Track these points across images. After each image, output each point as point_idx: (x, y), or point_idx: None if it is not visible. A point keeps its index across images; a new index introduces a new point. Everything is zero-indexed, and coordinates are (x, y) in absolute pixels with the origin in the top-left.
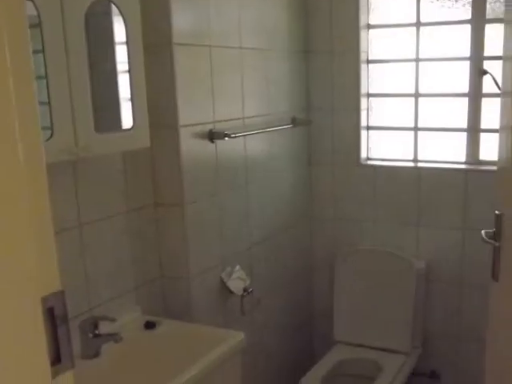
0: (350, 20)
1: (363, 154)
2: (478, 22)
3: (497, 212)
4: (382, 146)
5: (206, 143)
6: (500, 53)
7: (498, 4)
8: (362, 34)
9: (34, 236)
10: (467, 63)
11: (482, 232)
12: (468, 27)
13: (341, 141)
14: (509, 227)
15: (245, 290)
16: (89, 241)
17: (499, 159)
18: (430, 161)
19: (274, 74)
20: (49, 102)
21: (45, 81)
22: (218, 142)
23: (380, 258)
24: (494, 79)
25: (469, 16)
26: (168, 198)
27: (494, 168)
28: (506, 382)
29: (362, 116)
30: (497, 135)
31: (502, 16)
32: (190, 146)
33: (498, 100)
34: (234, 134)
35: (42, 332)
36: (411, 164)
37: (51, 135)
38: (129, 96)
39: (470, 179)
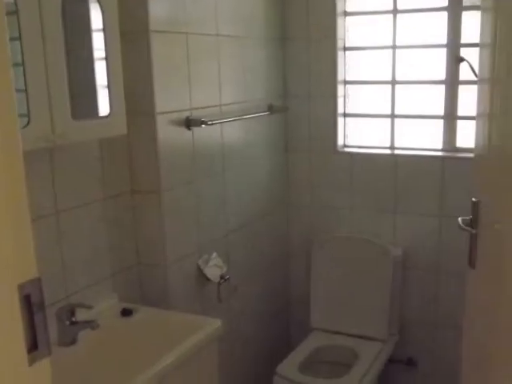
0: (327, 7)
1: (340, 141)
2: (455, 9)
3: (473, 199)
4: (358, 134)
5: (183, 130)
6: (477, 40)
7: None
8: (339, 21)
9: (10, 223)
10: (444, 50)
11: (459, 219)
12: (445, 14)
13: (317, 128)
14: (485, 214)
15: (221, 277)
16: (65, 228)
17: (476, 146)
18: (406, 148)
19: (250, 61)
20: (25, 90)
21: (21, 68)
22: (195, 129)
23: (357, 245)
24: (470, 66)
25: (445, 3)
26: (145, 185)
27: (471, 155)
28: (483, 368)
29: (338, 103)
30: (473, 122)
31: (478, 3)
32: (167, 134)
33: (474, 87)
34: (210, 121)
35: (18, 319)
36: (388, 151)
37: (28, 122)
38: (106, 83)
39: (447, 166)
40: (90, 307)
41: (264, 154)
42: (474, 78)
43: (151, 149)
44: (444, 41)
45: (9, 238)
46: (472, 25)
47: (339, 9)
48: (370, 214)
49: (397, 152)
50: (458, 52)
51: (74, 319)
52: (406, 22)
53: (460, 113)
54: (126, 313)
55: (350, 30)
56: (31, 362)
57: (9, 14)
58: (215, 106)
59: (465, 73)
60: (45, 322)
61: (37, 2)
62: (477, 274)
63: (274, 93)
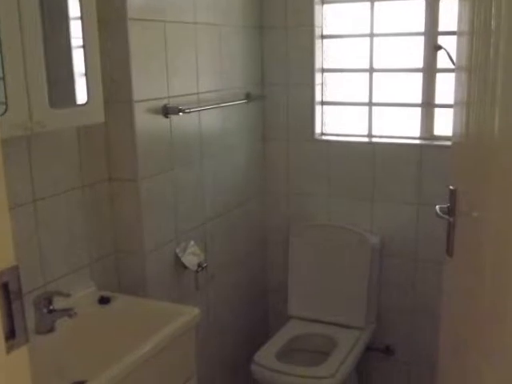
0: None
1: (318, 130)
2: None
3: (451, 187)
4: (336, 122)
5: (161, 118)
6: (454, 28)
7: None
8: (317, 9)
9: None
10: (421, 38)
11: (437, 207)
12: (422, 2)
13: (295, 116)
14: (463, 202)
15: (199, 265)
16: (43, 216)
17: (453, 134)
18: (384, 136)
19: (228, 49)
20: (3, 77)
21: None
22: (173, 117)
23: (334, 234)
24: (448, 54)
25: None
26: (122, 173)
27: (449, 143)
28: (460, 356)
29: (316, 91)
30: (451, 110)
31: None
32: (145, 122)
33: (452, 75)
34: (188, 109)
35: None
36: (366, 139)
37: (5, 110)
38: (83, 71)
39: (425, 154)
40: (67, 295)
41: (242, 142)
42: (452, 66)
43: (129, 137)
44: (422, 29)
45: None
46: (449, 13)
47: None
48: (348, 201)
49: (374, 140)
50: (436, 40)
51: (51, 307)
52: (384, 10)
53: (438, 101)
54: (104, 301)
55: (328, 18)
56: (9, 350)
57: None
58: (193, 94)
59: (442, 61)
60: (22, 310)
61: None
62: (454, 262)
63: (251, 81)
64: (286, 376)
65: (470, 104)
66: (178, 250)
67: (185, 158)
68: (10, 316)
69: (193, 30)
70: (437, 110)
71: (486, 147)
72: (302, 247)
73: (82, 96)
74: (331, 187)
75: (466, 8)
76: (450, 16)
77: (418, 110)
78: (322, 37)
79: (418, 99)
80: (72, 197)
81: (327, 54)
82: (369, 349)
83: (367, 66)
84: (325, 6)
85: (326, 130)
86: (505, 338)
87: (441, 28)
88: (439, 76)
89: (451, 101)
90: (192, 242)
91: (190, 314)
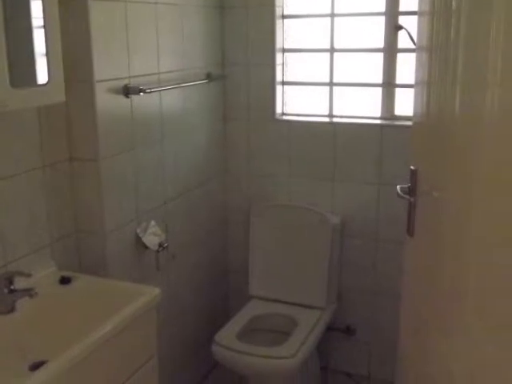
0: None
1: (278, 110)
2: None
3: (412, 167)
4: (297, 102)
5: (121, 98)
6: (415, 8)
7: None
8: None
9: None
10: (382, 18)
11: (397, 187)
12: None
13: (256, 96)
14: (423, 182)
15: (160, 245)
16: (3, 196)
17: (414, 114)
18: (345, 116)
19: (189, 29)
20: None
21: None
22: (134, 97)
23: (295, 214)
24: (409, 34)
25: None
26: (83, 153)
27: (409, 123)
28: (420, 335)
29: (277, 71)
30: (412, 90)
31: None
32: (105, 101)
33: (413, 55)
34: (149, 89)
35: None
36: (326, 119)
37: None
38: (44, 51)
39: (385, 134)
40: (28, 275)
41: (202, 122)
42: (413, 46)
43: (89, 117)
44: (382, 9)
45: None
46: None
47: None
48: (309, 182)
49: (335, 120)
50: (397, 20)
51: (12, 287)
52: None
53: (398, 81)
54: (65, 281)
55: None
56: None
57: None
58: (154, 74)
59: (403, 41)
60: None
61: None
62: (415, 241)
63: (212, 61)
64: (246, 356)
65: (430, 84)
66: (138, 230)
67: (145, 137)
68: None
69: (153, 9)
70: (397, 90)
71: (446, 127)
72: (263, 227)
73: (42, 76)
74: (292, 167)
75: None
76: None
77: (379, 90)
78: (283, 17)
79: (379, 79)
80: (33, 177)
81: (288, 33)
82: (330, 329)
83: (328, 46)
84: None
85: (287, 110)
86: (465, 318)
87: (401, 8)
88: (400, 56)
89: (412, 81)
90: (153, 222)
91: (150, 293)
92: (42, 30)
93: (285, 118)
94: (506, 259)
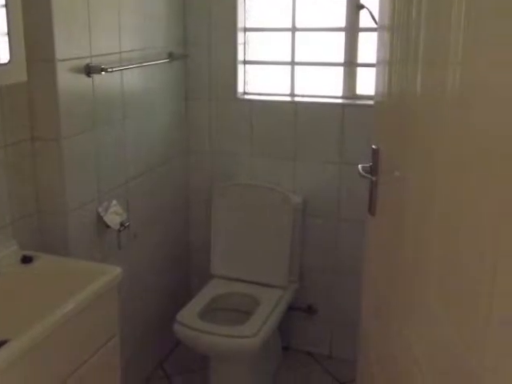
0: None
1: (240, 89)
2: None
3: (373, 146)
4: (259, 81)
5: (83, 78)
6: None
7: None
8: None
9: None
10: None
11: (359, 166)
12: None
13: (218, 75)
14: (385, 161)
15: (121, 224)
16: None
17: (376, 94)
18: (307, 95)
19: (150, 8)
20: None
21: None
22: (95, 76)
23: (257, 193)
24: (370, 14)
25: None
26: (45, 132)
27: (371, 102)
28: (382, 315)
29: (238, 50)
30: (374, 70)
31: None
32: (67, 81)
33: (374, 34)
34: (110, 68)
35: None
36: (288, 98)
37: None
38: (5, 30)
39: (347, 114)
40: None
41: (164, 101)
42: (374, 25)
43: (51, 96)
44: None
45: None
46: None
47: None
48: (271, 161)
49: (297, 99)
50: None
51: None
52: None
53: (360, 60)
54: (26, 260)
55: None
56: None
57: None
58: (115, 53)
59: (365, 20)
60: None
61: None
62: (376, 220)
63: (174, 40)
64: (208, 335)
65: (392, 63)
66: (100, 209)
67: (107, 117)
68: None
69: None
70: (359, 70)
71: (407, 106)
72: (225, 207)
73: (4, 55)
74: (254, 146)
75: None
76: None
77: (341, 69)
78: None
79: (341, 58)
80: None
81: (250, 13)
82: (291, 308)
83: (290, 26)
84: None
85: (249, 89)
86: (426, 300)
87: None
88: (361, 35)
89: (374, 60)
90: (114, 201)
91: (112, 273)
92: (4, 9)
93: (246, 97)
94: (467, 239)
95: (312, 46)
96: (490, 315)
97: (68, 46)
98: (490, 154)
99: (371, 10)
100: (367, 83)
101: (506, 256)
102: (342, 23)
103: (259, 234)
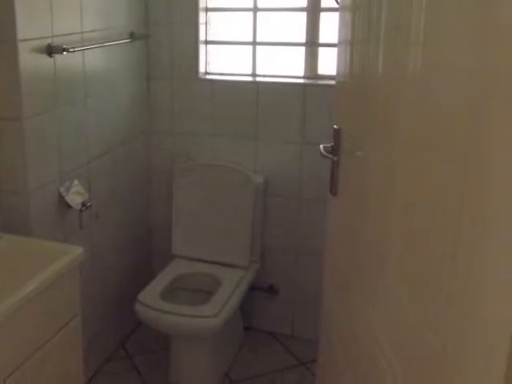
0: None
1: (202, 69)
2: None
3: (335, 126)
4: (220, 61)
5: (45, 58)
6: None
7: None
8: None
9: None
10: None
11: (321, 146)
12: None
13: (179, 55)
14: (347, 141)
15: (83, 204)
16: None
17: (337, 74)
18: (268, 75)
19: None
20: None
21: None
22: (57, 56)
23: (219, 173)
24: None
25: None
26: (6, 112)
27: (333, 82)
28: (343, 294)
29: (200, 30)
30: (335, 50)
31: None
32: (29, 61)
33: (336, 14)
34: (72, 48)
35: None
36: (250, 78)
37: None
38: None
39: (308, 94)
40: None
41: (126, 81)
42: (336, 6)
43: (12, 76)
44: None
45: None
46: None
47: None
48: (232, 141)
49: (258, 79)
50: None
51: None
52: None
53: (322, 40)
54: None
55: None
56: None
57: None
58: (77, 33)
59: (326, 0)
60: None
61: None
62: (338, 200)
63: (135, 20)
64: (169, 315)
65: (353, 43)
66: (62, 189)
67: (69, 97)
68: None
69: None
70: (321, 50)
71: (369, 86)
72: (187, 186)
73: None
74: (215, 126)
75: None
76: None
77: (302, 49)
78: None
79: (302, 39)
80: None
81: None
82: (253, 288)
83: (251, 5)
84: None
85: (211, 69)
86: (388, 279)
87: None
88: (323, 15)
89: (335, 40)
90: (76, 181)
91: (73, 253)
92: None
93: (208, 77)
94: (428, 219)
95: (274, 26)
96: (451, 295)
97: (29, 26)
98: (451, 133)
99: None
100: (329, 63)
101: (468, 235)
102: (304, 3)
103: (221, 214)
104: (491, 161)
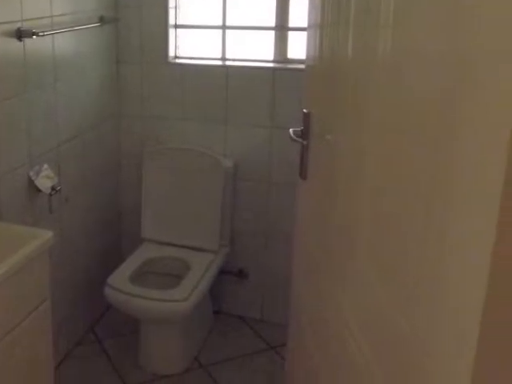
0: None
1: (171, 53)
2: None
3: (305, 110)
4: (190, 45)
5: (14, 42)
6: None
7: None
8: None
9: None
10: None
11: (290, 130)
12: None
13: (149, 39)
14: (316, 125)
15: (53, 188)
16: None
17: (307, 58)
18: (238, 59)
19: None
20: None
21: None
22: (27, 40)
23: (188, 157)
24: None
25: None
26: None
27: (303, 66)
28: (313, 278)
29: (170, 14)
30: (305, 33)
31: None
32: None
33: None
34: (42, 32)
35: None
36: (219, 62)
37: None
38: None
39: (278, 78)
40: None
41: (96, 65)
42: None
43: None
44: None
45: None
46: None
47: None
48: (202, 125)
49: (228, 63)
50: None
51: None
52: None
53: (291, 24)
54: None
55: None
56: None
57: None
58: (47, 17)
59: None
60: None
61: None
62: (307, 184)
63: (105, 3)
64: (139, 299)
65: (323, 27)
66: (31, 173)
67: (39, 81)
68: None
69: None
70: (290, 34)
71: (339, 70)
72: (156, 170)
73: None
74: (185, 110)
75: None
76: None
77: (272, 33)
78: None
79: (272, 22)
80: None
81: None
82: (222, 272)
83: None
84: None
85: (180, 53)
86: (358, 263)
87: None
88: None
89: (305, 24)
90: (45, 165)
91: (43, 237)
92: None
93: (178, 61)
94: (397, 202)
95: (243, 10)
96: (421, 279)
97: None
98: (422, 118)
99: None
100: (299, 47)
101: (438, 219)
102: None
103: (190, 197)
104: (462, 145)
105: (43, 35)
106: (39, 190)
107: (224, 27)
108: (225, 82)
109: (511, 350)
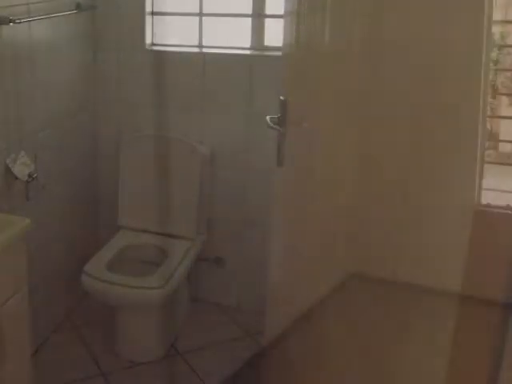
0: None
1: (148, 40)
2: None
3: (282, 98)
4: (167, 32)
5: None
6: None
7: None
8: None
9: None
10: None
11: (267, 118)
12: None
13: (126, 26)
14: (293, 113)
15: (30, 175)
16: None
17: (284, 45)
18: (215, 46)
19: None
20: None
21: None
22: (3, 27)
23: (165, 144)
24: None
25: None
26: None
27: (280, 54)
28: (288, 264)
29: (146, 1)
30: (282, 21)
31: None
32: None
33: None
34: (19, 19)
35: None
36: (196, 50)
37: None
38: None
39: (255, 65)
40: None
41: (72, 52)
42: None
43: None
44: None
45: None
46: None
47: None
48: (179, 112)
49: (205, 50)
50: None
51: None
52: None
53: (268, 11)
54: None
55: None
56: None
57: None
58: (23, 4)
59: None
60: None
61: None
62: (284, 171)
63: None
64: (116, 286)
65: (300, 15)
66: (8, 161)
67: (15, 68)
68: None
69: None
70: (267, 21)
71: (316, 57)
72: (133, 158)
73: None
74: (162, 98)
75: None
76: None
77: (249, 20)
78: None
79: (249, 10)
80: None
81: None
82: (199, 259)
83: None
84: None
85: (157, 40)
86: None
87: None
88: None
89: (282, 11)
90: (23, 153)
91: (20, 224)
92: None
93: (155, 48)
94: (378, 184)
95: None
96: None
97: None
98: (396, 105)
99: None
100: (275, 35)
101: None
102: None
103: (167, 185)
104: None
105: (20, 22)
106: (16, 178)
107: (201, 14)
108: (202, 70)
109: None
